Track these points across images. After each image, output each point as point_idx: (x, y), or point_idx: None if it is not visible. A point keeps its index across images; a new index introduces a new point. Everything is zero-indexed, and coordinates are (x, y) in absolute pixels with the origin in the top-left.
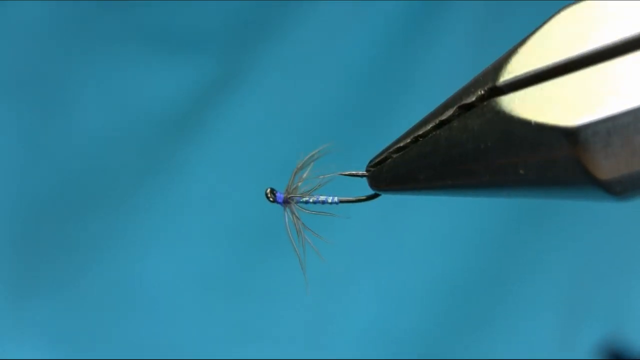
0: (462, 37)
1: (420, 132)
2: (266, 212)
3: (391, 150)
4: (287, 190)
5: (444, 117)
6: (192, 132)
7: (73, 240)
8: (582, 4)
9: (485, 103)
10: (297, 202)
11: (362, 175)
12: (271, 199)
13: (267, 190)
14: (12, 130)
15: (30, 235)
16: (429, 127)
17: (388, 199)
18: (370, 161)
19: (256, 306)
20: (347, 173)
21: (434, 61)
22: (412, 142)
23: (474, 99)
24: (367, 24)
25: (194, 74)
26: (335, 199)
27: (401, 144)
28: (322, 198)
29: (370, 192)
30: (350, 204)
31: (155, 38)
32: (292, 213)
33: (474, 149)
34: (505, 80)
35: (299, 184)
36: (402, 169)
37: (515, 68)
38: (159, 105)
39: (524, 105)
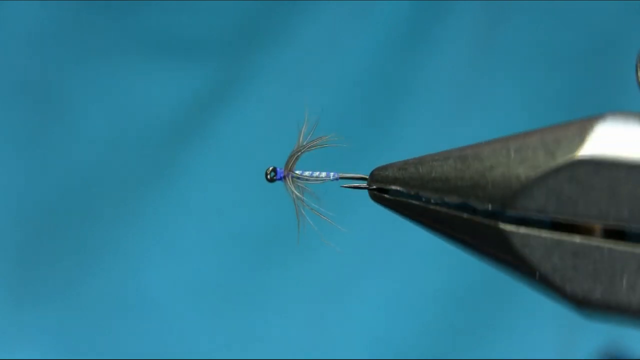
0: (463, 42)
1: (426, 194)
2: (267, 219)
3: (394, 187)
4: (286, 165)
5: (449, 199)
6: (192, 139)
7: (75, 246)
8: (616, 153)
9: (493, 224)
10: (298, 177)
11: (363, 188)
12: (269, 177)
13: (268, 169)
14: (13, 137)
15: (32, 241)
16: (434, 195)
17: None
18: (372, 176)
19: (257, 313)
20: (348, 185)
21: (435, 67)
22: (414, 195)
23: (480, 208)
24: (367, 31)
25: (195, 80)
26: (336, 175)
27: (404, 190)
28: (323, 175)
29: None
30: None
31: (156, 44)
32: (293, 188)
33: (476, 255)
34: (517, 214)
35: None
36: (404, 212)
37: (529, 204)
38: (159, 111)
39: (532, 248)
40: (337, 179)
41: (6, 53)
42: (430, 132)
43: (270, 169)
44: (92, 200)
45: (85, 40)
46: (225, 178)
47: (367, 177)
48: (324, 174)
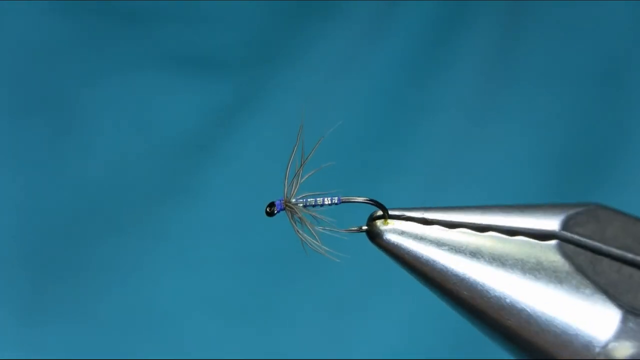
0: (477, 63)
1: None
2: (284, 235)
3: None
4: (285, 196)
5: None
6: (209, 156)
7: (90, 263)
8: None
9: None
10: (301, 205)
11: (363, 231)
12: (269, 210)
13: (266, 208)
14: (31, 151)
15: (46, 258)
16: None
17: None
18: (373, 228)
19: (273, 328)
20: (348, 230)
21: (449, 87)
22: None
23: None
24: (381, 50)
25: (213, 97)
26: (337, 199)
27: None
28: (327, 201)
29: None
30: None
31: (174, 61)
32: (295, 216)
33: None
34: None
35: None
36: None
37: None
38: (176, 128)
39: None
40: (338, 203)
41: (25, 68)
42: (441, 152)
43: (268, 207)
44: (108, 216)
45: (104, 56)
46: (242, 195)
47: (370, 200)
48: (327, 200)
